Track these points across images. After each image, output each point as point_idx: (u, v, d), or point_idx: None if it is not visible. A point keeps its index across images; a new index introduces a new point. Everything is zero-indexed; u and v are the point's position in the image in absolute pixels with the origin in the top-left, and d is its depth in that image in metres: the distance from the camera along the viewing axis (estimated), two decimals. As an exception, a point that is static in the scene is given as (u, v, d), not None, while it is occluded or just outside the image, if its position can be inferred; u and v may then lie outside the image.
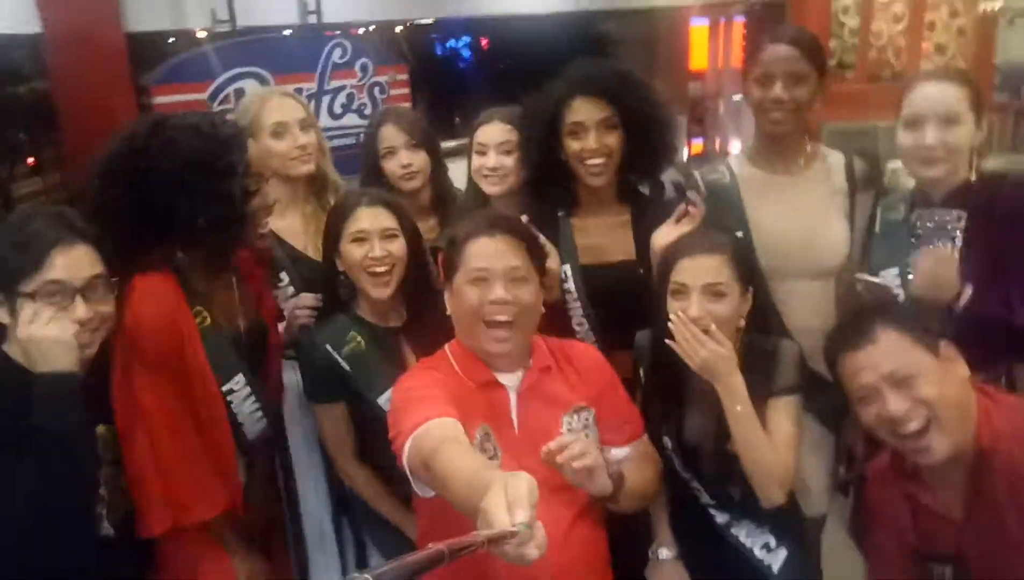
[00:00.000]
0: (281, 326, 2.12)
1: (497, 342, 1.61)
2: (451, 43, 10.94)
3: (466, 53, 11.36)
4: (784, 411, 1.80)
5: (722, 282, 1.76)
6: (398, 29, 5.53)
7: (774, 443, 1.76)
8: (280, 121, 2.29)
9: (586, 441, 1.51)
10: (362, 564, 2.10)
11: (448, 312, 1.72)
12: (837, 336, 1.63)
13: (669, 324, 1.76)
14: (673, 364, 1.81)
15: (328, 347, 1.94)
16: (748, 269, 1.83)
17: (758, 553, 1.85)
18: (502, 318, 1.61)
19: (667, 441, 1.85)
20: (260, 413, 1.90)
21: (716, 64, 8.26)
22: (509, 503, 1.00)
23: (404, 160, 2.38)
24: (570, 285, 2.12)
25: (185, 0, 3.47)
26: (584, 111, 2.05)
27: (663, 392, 1.88)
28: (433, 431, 1.39)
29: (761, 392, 1.79)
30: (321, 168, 2.41)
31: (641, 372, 1.93)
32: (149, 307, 1.70)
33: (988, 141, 2.09)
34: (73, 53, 3.15)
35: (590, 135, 2.05)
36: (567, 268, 2.12)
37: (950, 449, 1.47)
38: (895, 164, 2.32)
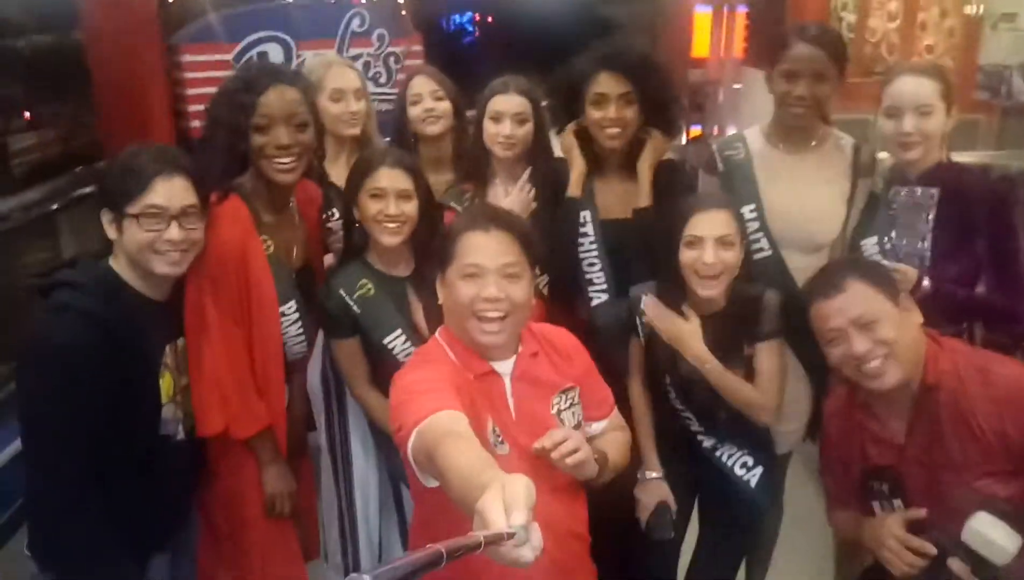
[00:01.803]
0: (328, 257, 2.33)
1: (488, 335, 1.63)
2: (456, 18, 11.07)
3: (470, 28, 11.49)
4: (770, 352, 2.04)
5: (731, 233, 1.98)
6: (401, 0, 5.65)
7: (761, 379, 2.02)
8: (339, 88, 2.55)
9: (577, 436, 1.59)
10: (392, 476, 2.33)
11: (440, 301, 1.77)
12: (812, 286, 1.84)
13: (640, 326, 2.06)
14: (674, 309, 2.06)
15: (341, 292, 2.13)
16: (744, 225, 2.06)
17: (738, 471, 2.09)
18: (494, 315, 1.62)
19: (667, 378, 2.07)
20: (303, 337, 2.11)
21: (718, 52, 8.42)
22: (506, 505, 0.99)
23: (428, 105, 2.59)
24: (588, 229, 2.33)
25: (214, -37, 3.62)
26: (607, 84, 2.24)
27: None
28: (437, 424, 1.39)
29: (749, 335, 2.04)
30: (367, 131, 2.68)
31: (639, 320, 2.13)
32: (222, 226, 1.90)
33: (973, 138, 2.27)
34: (107, 10, 3.28)
35: (611, 106, 2.25)
36: (587, 214, 2.32)
37: (900, 379, 1.70)
38: (883, 154, 2.52)
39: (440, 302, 1.74)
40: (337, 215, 2.30)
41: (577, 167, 2.32)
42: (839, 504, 1.94)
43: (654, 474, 2.12)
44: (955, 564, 1.57)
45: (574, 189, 2.31)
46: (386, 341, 2.10)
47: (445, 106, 2.58)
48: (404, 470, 2.19)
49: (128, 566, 1.74)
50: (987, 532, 1.53)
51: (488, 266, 1.61)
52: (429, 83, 2.59)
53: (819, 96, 2.21)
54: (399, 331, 2.11)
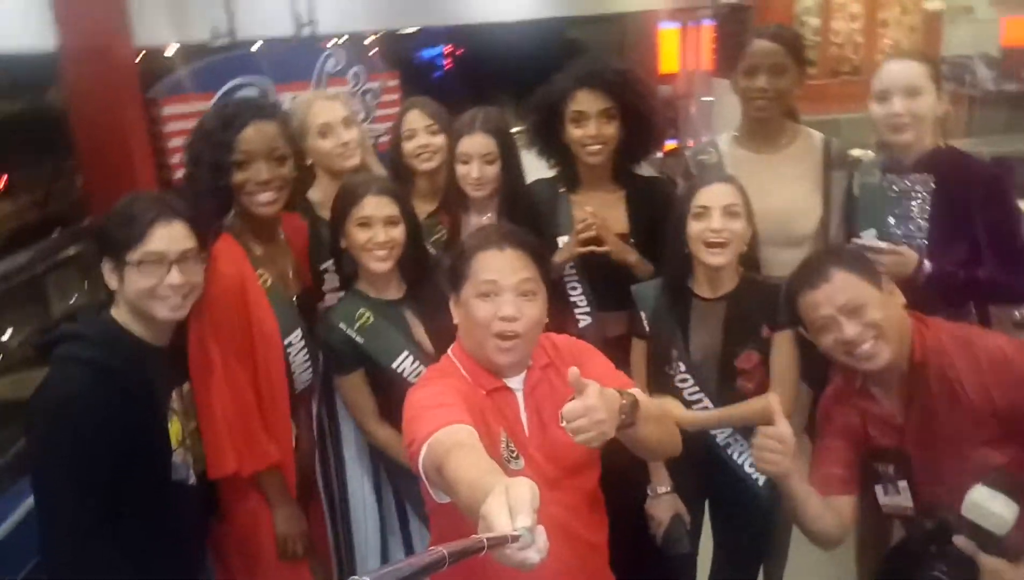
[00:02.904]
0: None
1: (504, 353, 1.64)
2: (426, 52, 11.17)
3: (441, 60, 11.60)
4: (786, 342, 2.08)
5: (737, 203, 2.04)
6: (367, 41, 5.71)
7: (776, 369, 2.07)
8: (325, 122, 2.48)
9: (588, 405, 1.38)
10: (400, 511, 2.31)
11: (455, 321, 1.76)
12: (797, 278, 1.89)
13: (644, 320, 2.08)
14: (676, 297, 2.11)
15: (342, 325, 2.15)
16: (750, 203, 2.09)
17: (747, 469, 2.13)
18: (510, 334, 1.63)
19: (679, 365, 2.10)
20: (309, 364, 2.13)
21: (687, 66, 8.53)
22: (511, 508, 1.00)
23: (423, 141, 2.57)
24: None
25: (187, 14, 3.66)
26: (586, 102, 2.27)
27: (673, 318, 2.13)
28: (446, 437, 1.41)
29: (762, 321, 2.07)
30: (365, 162, 2.61)
31: (642, 314, 2.17)
32: (217, 266, 1.92)
33: (943, 127, 2.32)
34: (87, 68, 3.30)
35: (591, 123, 2.27)
36: (565, 239, 2.35)
37: (890, 358, 1.76)
38: (856, 152, 2.57)
39: (455, 322, 1.75)
40: (335, 269, 2.29)
41: (567, 251, 2.32)
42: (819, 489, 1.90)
43: (665, 488, 2.13)
44: (960, 541, 1.60)
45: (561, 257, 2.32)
46: (395, 365, 2.12)
47: (440, 141, 2.55)
48: (417, 504, 2.20)
49: None
50: (985, 503, 1.57)
51: (504, 284, 1.63)
52: (423, 118, 2.57)
53: (780, 88, 2.29)
54: (406, 353, 2.12)
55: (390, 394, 2.13)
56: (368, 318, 2.14)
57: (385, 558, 2.35)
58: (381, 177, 2.40)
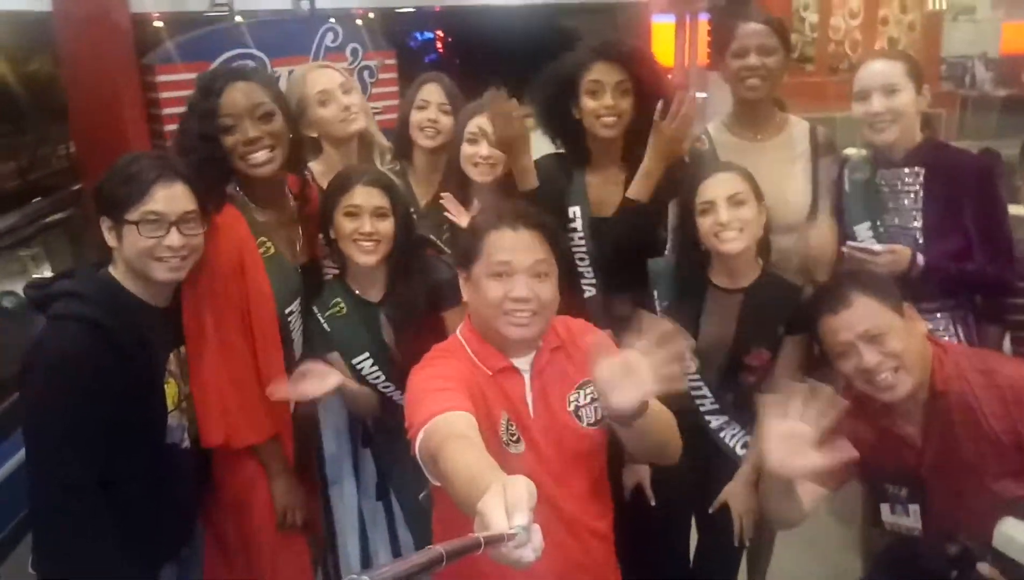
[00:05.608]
0: None
1: (518, 329, 1.61)
2: (420, 35, 11.13)
3: (434, 46, 11.56)
4: (798, 346, 2.08)
5: (742, 191, 2.02)
6: (358, 22, 5.68)
7: (784, 370, 2.06)
8: (323, 89, 2.38)
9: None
10: (382, 491, 2.30)
11: (464, 299, 1.73)
12: (818, 301, 1.87)
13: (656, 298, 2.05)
14: (692, 283, 2.10)
15: (315, 309, 2.13)
16: (758, 187, 2.07)
17: (739, 451, 2.14)
18: (523, 314, 1.61)
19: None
20: None
21: (681, 61, 8.51)
22: (508, 506, 1.00)
23: (432, 115, 2.49)
24: (577, 225, 2.34)
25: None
26: (603, 72, 2.26)
27: (686, 303, 2.12)
28: (443, 425, 1.39)
29: (779, 320, 2.06)
30: (367, 129, 2.51)
31: (656, 293, 2.17)
32: (217, 236, 1.89)
33: (936, 129, 2.35)
34: (82, 32, 3.26)
35: (606, 95, 2.25)
36: (576, 209, 2.32)
37: (911, 388, 1.73)
38: (850, 151, 2.59)
39: (464, 301, 1.73)
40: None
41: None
42: None
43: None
44: (985, 568, 1.59)
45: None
46: (354, 362, 2.11)
47: (447, 122, 2.49)
48: (399, 484, 2.20)
49: (137, 578, 1.73)
50: (1018, 536, 1.56)
51: (518, 265, 1.60)
52: (439, 93, 2.50)
53: (769, 67, 2.33)
54: (366, 354, 2.11)
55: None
56: (341, 309, 2.12)
57: (363, 527, 2.36)
58: (376, 168, 2.35)
